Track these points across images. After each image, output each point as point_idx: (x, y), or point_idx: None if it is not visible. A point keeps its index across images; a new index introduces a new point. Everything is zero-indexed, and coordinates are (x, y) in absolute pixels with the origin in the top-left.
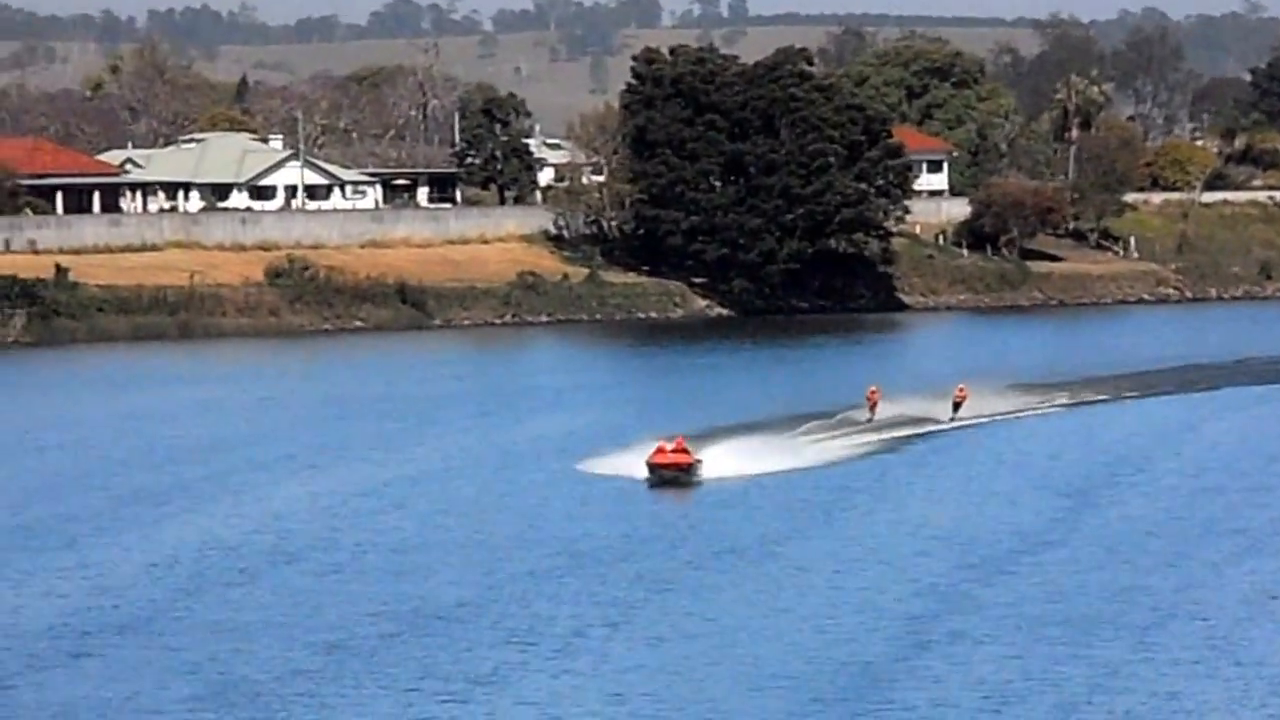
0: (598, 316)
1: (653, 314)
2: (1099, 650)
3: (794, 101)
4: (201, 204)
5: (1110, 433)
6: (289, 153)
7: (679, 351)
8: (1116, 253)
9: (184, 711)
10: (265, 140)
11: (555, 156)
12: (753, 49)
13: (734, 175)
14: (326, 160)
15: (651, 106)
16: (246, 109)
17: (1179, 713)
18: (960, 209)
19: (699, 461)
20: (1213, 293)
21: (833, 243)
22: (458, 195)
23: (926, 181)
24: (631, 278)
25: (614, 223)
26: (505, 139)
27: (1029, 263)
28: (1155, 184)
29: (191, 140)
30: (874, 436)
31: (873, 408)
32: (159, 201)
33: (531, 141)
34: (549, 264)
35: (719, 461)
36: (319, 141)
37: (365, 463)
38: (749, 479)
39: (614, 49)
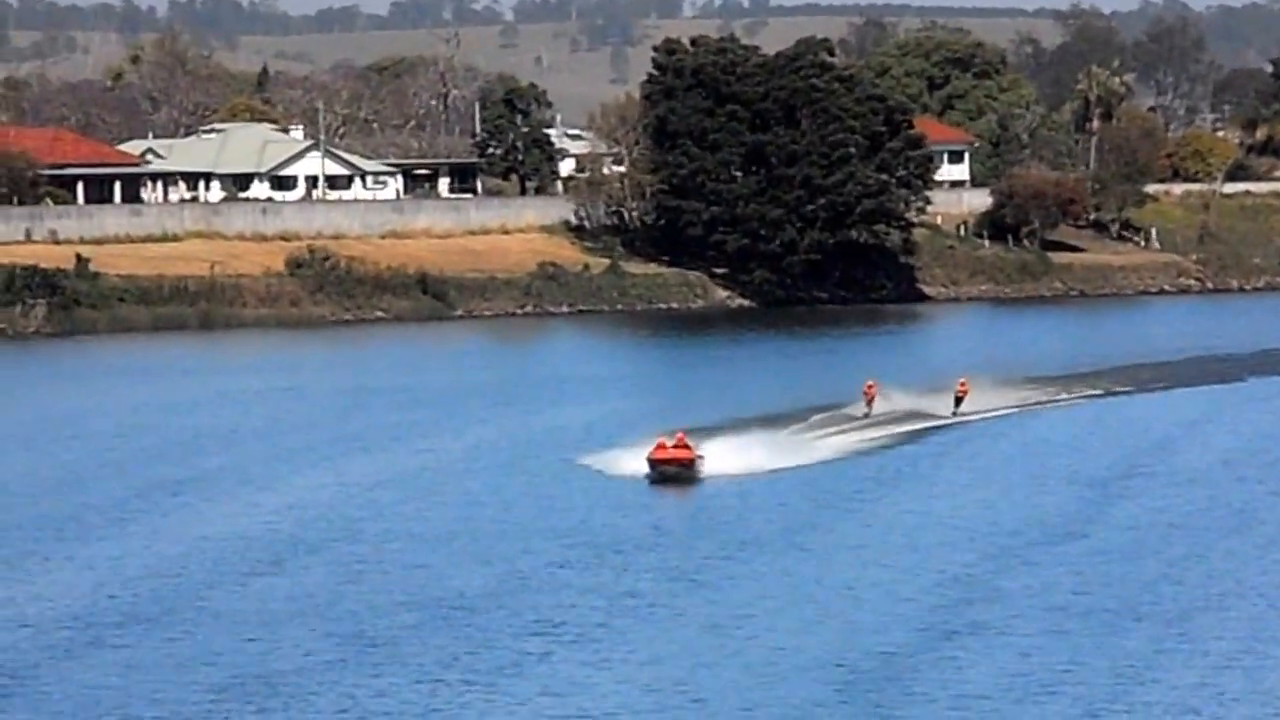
0: (619, 307)
1: (674, 305)
2: (1122, 641)
3: (815, 92)
4: (222, 194)
5: (1133, 424)
6: (310, 143)
7: (699, 343)
8: (1138, 244)
9: (205, 702)
10: (286, 130)
11: (576, 147)
12: (774, 39)
13: (755, 166)
14: (347, 151)
15: (672, 97)
16: (267, 99)
17: (1203, 703)
18: (981, 200)
19: (701, 457)
20: (1234, 284)
21: (854, 233)
22: (479, 186)
23: (947, 172)
24: (652, 268)
25: (635, 213)
26: (526, 129)
27: (1050, 254)
28: (1176, 175)
29: (212, 130)
30: (879, 431)
31: (869, 402)
32: (180, 192)
33: (552, 132)
34: (570, 254)
35: (726, 457)
36: (340, 132)
37: (386, 453)
38: (751, 475)
39: (635, 39)
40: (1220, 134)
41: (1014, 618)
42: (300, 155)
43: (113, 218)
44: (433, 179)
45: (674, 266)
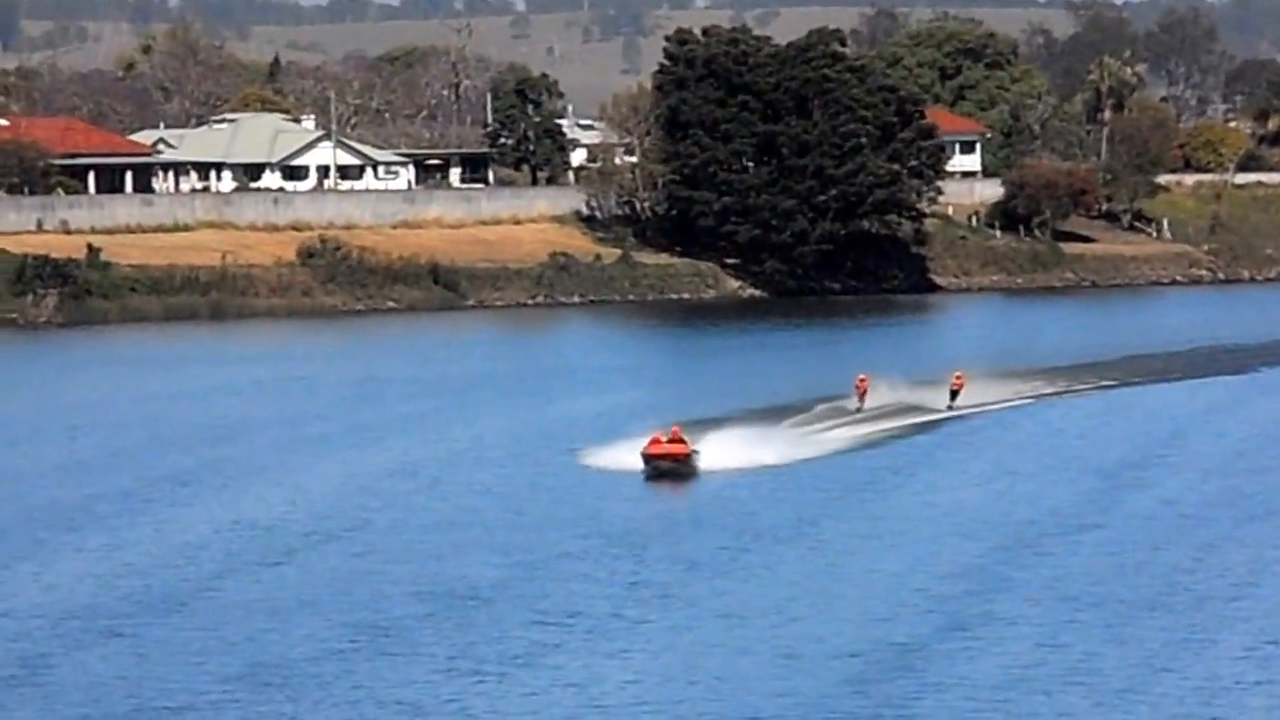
0: (630, 297)
1: (685, 295)
2: (1136, 631)
3: (827, 82)
4: (234, 184)
5: (1146, 414)
6: (321, 133)
7: (710, 333)
8: (1149, 234)
9: (217, 691)
10: (297, 120)
11: (588, 137)
12: (786, 30)
13: (767, 156)
14: (359, 141)
15: (684, 87)
16: (279, 89)
17: (1217, 693)
18: (993, 190)
19: (696, 452)
20: (1245, 274)
21: (865, 224)
22: (490, 176)
23: (959, 163)
24: (664, 258)
25: (646, 203)
26: (538, 120)
27: (1062, 244)
28: (1188, 165)
29: (224, 120)
30: (872, 427)
31: (861, 396)
32: (191, 181)
33: (564, 122)
34: (581, 245)
35: (723, 451)
36: (351, 122)
37: (397, 443)
38: (747, 470)
39: (647, 29)
40: (1232, 124)
41: (1026, 608)
42: (312, 145)
43: (124, 208)
44: (444, 169)
45: (685, 257)
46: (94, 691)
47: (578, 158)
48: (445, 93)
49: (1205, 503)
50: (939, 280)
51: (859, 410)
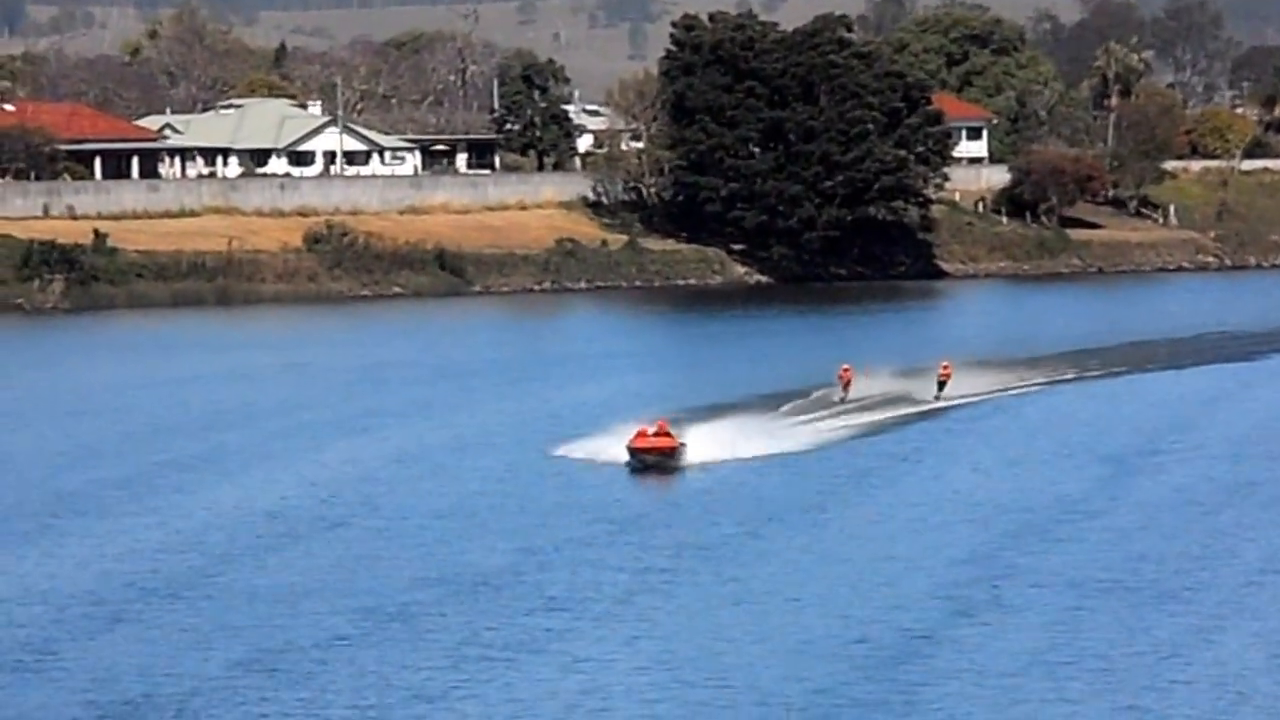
0: (637, 283)
1: (691, 281)
2: (1143, 617)
3: (833, 68)
4: (240, 170)
5: (1153, 401)
6: (328, 118)
7: (716, 319)
8: (1156, 220)
9: (223, 676)
10: (304, 106)
11: (594, 123)
12: (792, 15)
13: (773, 142)
14: (365, 126)
15: (691, 73)
16: (285, 74)
17: (1226, 679)
18: (1000, 176)
19: (683, 445)
20: (1252, 261)
21: (872, 210)
22: (496, 161)
23: (966, 149)
24: (670, 244)
25: (653, 189)
26: (544, 105)
27: (1068, 230)
28: (1195, 152)
29: (230, 106)
30: (857, 419)
31: (845, 386)
32: (197, 167)
33: (570, 108)
34: (588, 230)
35: (707, 443)
36: (358, 107)
37: (404, 429)
38: (730, 462)
39: (653, 15)
40: (1239, 111)
41: (1035, 594)
42: (318, 131)
43: (130, 193)
44: (451, 155)
45: (692, 243)
46: (100, 677)
47: (584, 143)
48: (452, 78)
49: (1214, 489)
50: (945, 266)
51: (843, 400)
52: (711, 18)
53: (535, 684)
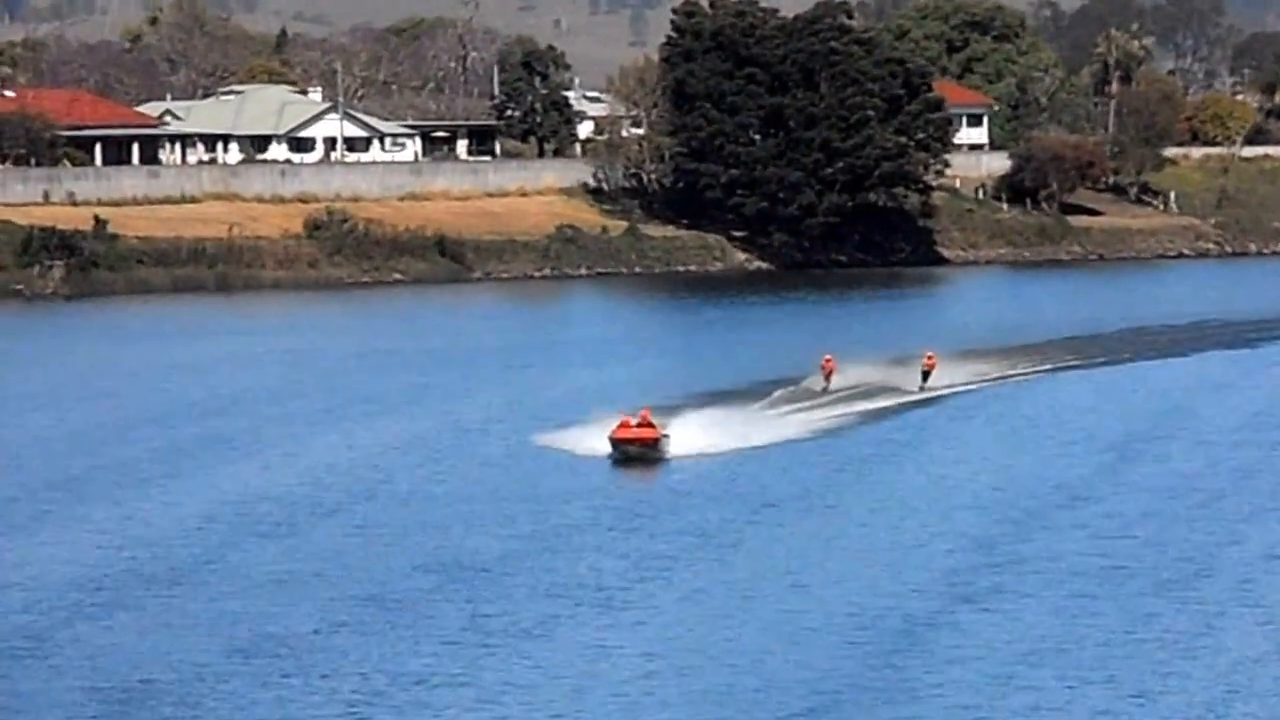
0: (637, 270)
1: (692, 267)
2: (1144, 604)
3: (834, 55)
4: (240, 156)
5: (1154, 388)
6: (328, 105)
7: (716, 306)
8: (1156, 207)
9: (222, 663)
10: (304, 92)
11: (595, 109)
12: (793, 2)
13: (774, 129)
14: (366, 113)
15: (691, 59)
16: (285, 61)
17: (1226, 667)
18: (1000, 163)
19: (666, 436)
20: (1252, 247)
21: (872, 196)
22: (497, 148)
23: (966, 135)
24: (670, 231)
25: (653, 176)
26: (545, 92)
27: (1069, 217)
28: (1195, 139)
29: (230, 92)
30: (839, 410)
31: (827, 377)
32: (198, 153)
33: (571, 94)
34: (588, 217)
35: (692, 434)
36: (358, 94)
37: (403, 415)
38: (714, 453)
39: (654, 2)
40: (1239, 98)
41: (1035, 581)
42: (318, 117)
43: (130, 179)
44: (451, 141)
45: (692, 229)
46: (99, 663)
47: (585, 130)
48: (452, 65)
49: (1215, 476)
50: (946, 253)
51: (825, 391)
52: (712, 4)
53: (536, 670)
